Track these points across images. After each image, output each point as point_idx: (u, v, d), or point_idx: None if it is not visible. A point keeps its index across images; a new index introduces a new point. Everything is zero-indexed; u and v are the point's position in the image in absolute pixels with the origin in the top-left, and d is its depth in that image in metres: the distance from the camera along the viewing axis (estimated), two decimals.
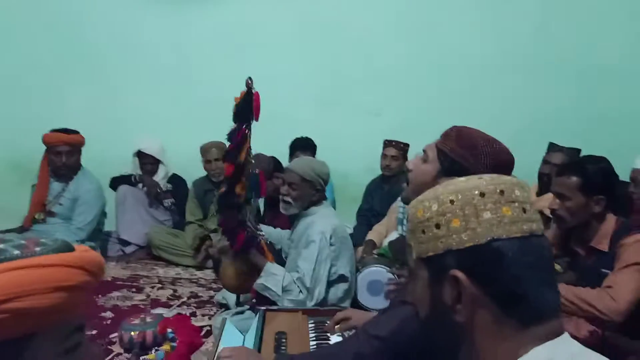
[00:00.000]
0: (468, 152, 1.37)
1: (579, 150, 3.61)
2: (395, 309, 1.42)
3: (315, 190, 2.67)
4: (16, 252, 0.65)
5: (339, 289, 2.69)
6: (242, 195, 2.41)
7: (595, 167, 2.16)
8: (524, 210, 0.77)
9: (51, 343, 0.65)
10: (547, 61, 4.53)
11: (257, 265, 2.54)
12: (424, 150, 1.49)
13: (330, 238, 2.59)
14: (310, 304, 2.50)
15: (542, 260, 0.76)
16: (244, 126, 2.37)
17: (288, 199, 2.66)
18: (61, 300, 0.63)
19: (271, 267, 2.53)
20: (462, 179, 0.82)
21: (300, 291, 2.51)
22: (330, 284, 2.65)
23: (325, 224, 2.60)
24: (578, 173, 2.14)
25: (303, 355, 1.55)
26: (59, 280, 0.64)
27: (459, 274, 0.76)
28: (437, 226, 0.78)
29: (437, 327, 0.84)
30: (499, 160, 1.36)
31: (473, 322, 0.78)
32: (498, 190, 0.77)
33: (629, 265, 2.01)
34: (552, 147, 3.68)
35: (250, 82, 2.35)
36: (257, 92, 2.35)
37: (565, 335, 0.77)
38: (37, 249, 0.66)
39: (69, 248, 0.69)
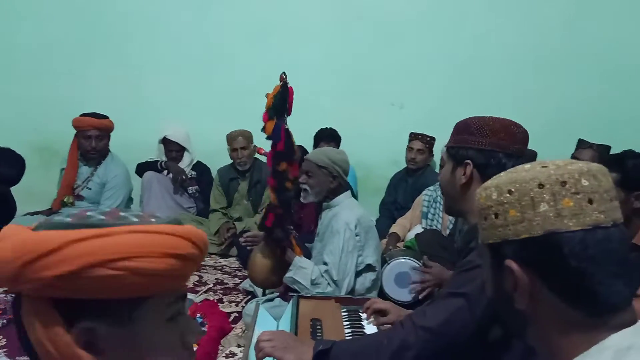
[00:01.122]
0: (465, 133, 1.44)
1: (608, 147, 3.58)
2: (444, 301, 1.41)
3: (332, 177, 2.66)
4: (135, 219, 0.70)
5: (366, 279, 2.69)
6: (292, 190, 2.51)
7: (635, 162, 2.14)
8: (590, 201, 0.74)
9: (158, 308, 0.69)
10: (575, 57, 4.48)
11: (286, 259, 2.56)
12: (442, 158, 1.54)
13: (355, 228, 2.60)
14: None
15: (608, 252, 0.73)
16: (283, 122, 2.41)
17: (306, 186, 2.68)
18: (171, 267, 0.67)
19: (300, 260, 2.55)
20: (527, 166, 0.80)
21: (329, 284, 2.52)
22: (357, 274, 2.66)
23: (349, 215, 2.61)
24: (618, 168, 2.11)
25: (345, 342, 1.55)
26: (172, 247, 0.67)
27: (513, 264, 0.77)
28: (496, 215, 0.78)
29: (502, 310, 0.85)
30: (495, 128, 1.41)
31: (536, 311, 0.78)
32: (560, 181, 0.74)
33: None
34: (582, 144, 3.65)
35: (284, 76, 2.37)
36: (291, 87, 2.38)
37: None
38: (152, 219, 0.71)
39: (179, 223, 0.73)
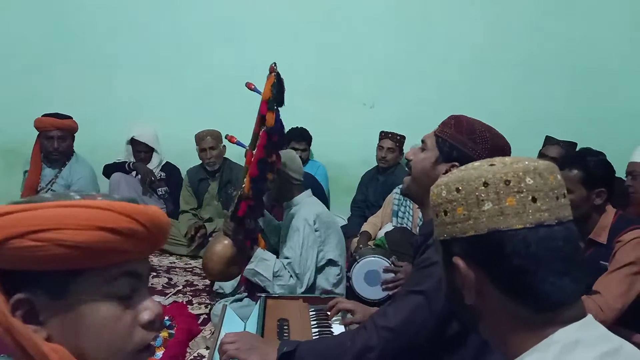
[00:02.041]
0: (467, 137, 1.40)
1: (575, 144, 3.65)
2: (403, 299, 1.41)
3: (275, 174, 2.67)
4: (77, 197, 0.71)
5: (330, 275, 2.71)
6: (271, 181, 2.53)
7: (596, 160, 2.18)
8: (534, 200, 0.74)
9: (97, 281, 0.69)
10: (542, 58, 4.56)
11: (247, 252, 2.56)
12: (422, 141, 1.51)
13: (315, 224, 2.62)
14: (300, 290, 2.53)
15: (551, 250, 0.73)
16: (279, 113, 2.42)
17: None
18: (99, 240, 0.67)
19: (262, 252, 2.56)
20: (476, 164, 0.81)
21: (291, 276, 2.54)
22: (320, 269, 2.68)
23: (307, 211, 2.64)
24: (579, 166, 2.15)
25: (310, 343, 1.54)
26: (99, 220, 0.67)
27: (459, 261, 0.78)
28: (445, 213, 0.79)
29: (455, 305, 0.85)
30: (497, 145, 1.40)
31: (485, 307, 0.79)
32: (504, 180, 0.75)
33: (621, 267, 2.03)
34: (549, 141, 3.72)
35: (275, 66, 2.37)
36: (282, 78, 2.39)
37: (590, 317, 0.77)
38: (100, 197, 0.71)
39: (132, 201, 0.73)
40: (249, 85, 2.51)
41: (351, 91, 4.68)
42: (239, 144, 2.56)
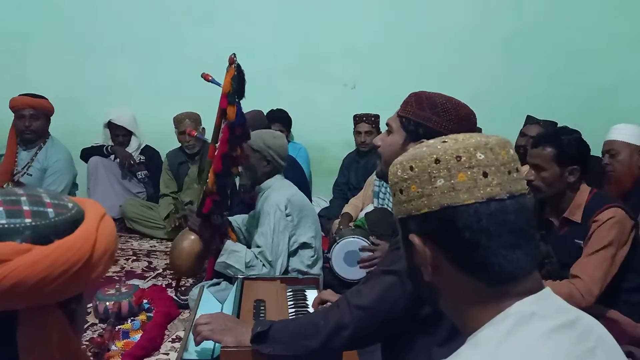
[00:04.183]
0: (430, 112, 1.40)
1: (555, 124, 3.67)
2: (377, 278, 1.41)
3: (266, 162, 2.66)
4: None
5: (304, 257, 2.70)
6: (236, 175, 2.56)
7: (570, 138, 2.20)
8: (485, 175, 0.74)
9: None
10: (522, 38, 4.55)
11: (213, 245, 2.56)
12: (387, 124, 1.51)
13: (286, 209, 2.60)
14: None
15: (502, 224, 0.74)
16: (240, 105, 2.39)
17: (241, 168, 2.68)
18: None
19: (231, 245, 2.55)
20: (430, 142, 0.82)
21: (264, 265, 2.53)
22: (293, 252, 2.67)
23: (278, 196, 2.61)
24: (553, 144, 2.17)
25: (283, 322, 1.54)
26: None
27: (415, 239, 0.79)
28: (401, 191, 0.80)
29: (416, 283, 0.86)
30: (461, 114, 1.40)
31: (443, 283, 0.80)
32: (455, 156, 0.76)
33: (598, 250, 2.05)
34: (530, 120, 3.74)
35: (234, 58, 2.32)
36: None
37: (547, 290, 0.78)
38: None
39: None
40: (205, 77, 2.45)
41: (332, 72, 4.65)
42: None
